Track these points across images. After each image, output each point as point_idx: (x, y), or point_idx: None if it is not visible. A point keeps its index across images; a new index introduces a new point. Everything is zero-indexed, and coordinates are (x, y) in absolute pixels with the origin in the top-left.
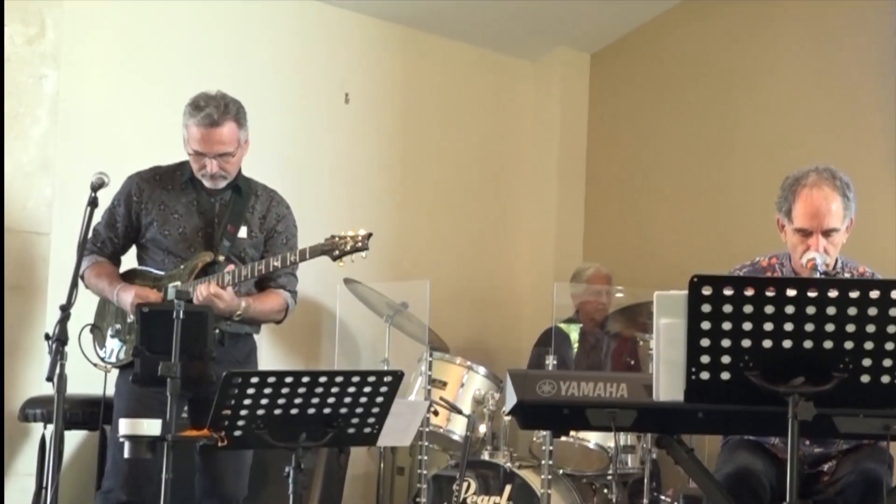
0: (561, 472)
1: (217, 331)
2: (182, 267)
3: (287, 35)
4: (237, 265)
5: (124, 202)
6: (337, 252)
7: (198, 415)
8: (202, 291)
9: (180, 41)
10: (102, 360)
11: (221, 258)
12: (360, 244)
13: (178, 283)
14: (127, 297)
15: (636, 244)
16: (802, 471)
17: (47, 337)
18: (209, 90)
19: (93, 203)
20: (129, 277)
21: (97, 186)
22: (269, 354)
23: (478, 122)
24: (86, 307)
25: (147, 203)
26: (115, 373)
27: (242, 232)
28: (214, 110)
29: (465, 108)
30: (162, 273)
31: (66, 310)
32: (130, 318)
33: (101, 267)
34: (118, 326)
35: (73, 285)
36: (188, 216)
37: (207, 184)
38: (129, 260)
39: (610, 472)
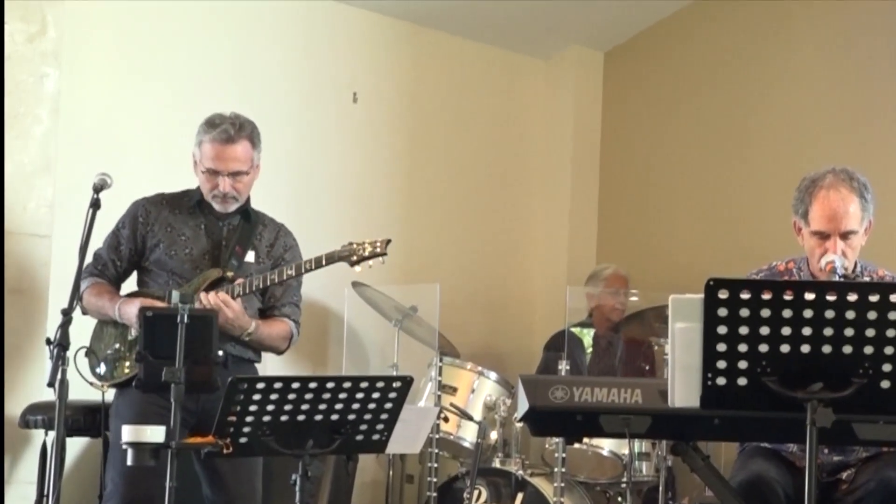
0: (574, 479)
1: (221, 352)
2: (187, 286)
3: (294, 33)
4: (246, 279)
5: (129, 224)
6: (355, 258)
7: (201, 424)
8: (210, 299)
9: (184, 39)
10: (99, 378)
11: (230, 274)
12: (378, 249)
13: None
14: (131, 309)
15: (651, 246)
16: (820, 479)
17: (48, 342)
18: (223, 111)
19: (95, 204)
20: (133, 298)
21: (99, 187)
22: (276, 359)
23: (489, 121)
24: (89, 321)
25: (154, 225)
26: (111, 393)
27: (250, 256)
28: (230, 127)
29: (476, 107)
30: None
31: (67, 314)
32: (132, 335)
33: (100, 287)
34: (117, 346)
35: (75, 289)
36: (196, 239)
37: (217, 206)
38: (129, 287)
39: (624, 480)
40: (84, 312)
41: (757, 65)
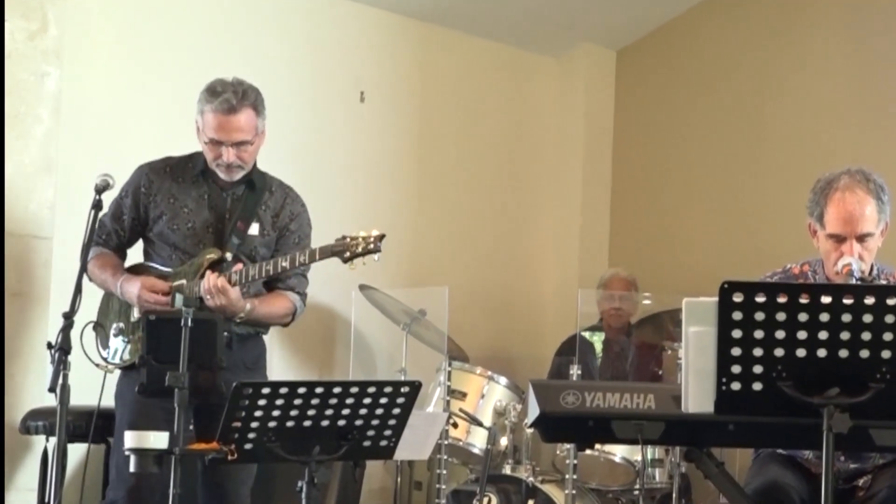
0: (586, 486)
1: (226, 333)
2: (188, 265)
3: (299, 30)
4: (246, 264)
5: (132, 194)
6: (348, 254)
7: (205, 427)
8: (209, 280)
9: (188, 37)
10: (105, 360)
11: (229, 256)
12: (371, 246)
13: (184, 281)
14: (132, 288)
15: (664, 248)
16: (837, 486)
17: (49, 346)
18: (225, 76)
19: (97, 206)
20: (135, 272)
21: (101, 188)
22: (282, 363)
23: (499, 121)
24: (89, 314)
25: (156, 195)
26: (116, 376)
27: (254, 229)
28: (232, 96)
29: (486, 106)
30: (168, 269)
31: (68, 317)
32: (135, 316)
33: (105, 258)
34: (121, 325)
35: (77, 291)
36: (198, 210)
37: (222, 175)
38: (136, 255)
39: (637, 486)
40: (90, 280)
41: (771, 62)
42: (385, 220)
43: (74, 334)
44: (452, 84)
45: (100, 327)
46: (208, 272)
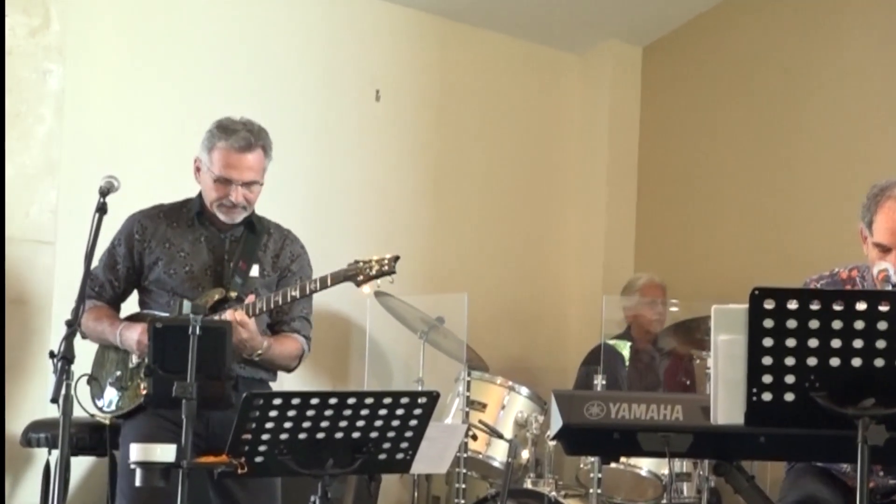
0: (611, 501)
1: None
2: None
3: (313, 26)
4: (258, 297)
5: (125, 241)
6: (361, 277)
7: (214, 438)
8: (227, 317)
9: (196, 33)
10: (101, 409)
11: (234, 294)
12: (386, 268)
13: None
14: (132, 334)
15: (692, 253)
16: (874, 501)
17: (52, 355)
18: (233, 116)
19: (101, 209)
20: (133, 321)
21: (106, 191)
22: (294, 373)
23: (520, 121)
24: (91, 345)
25: (150, 241)
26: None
27: (254, 271)
28: (248, 134)
29: (507, 105)
30: (167, 315)
31: (72, 325)
32: (133, 363)
33: (99, 310)
34: (118, 373)
35: (80, 299)
36: (196, 254)
37: (223, 217)
38: (130, 307)
39: (664, 501)
40: (84, 337)
41: (805, 59)
42: (402, 224)
43: (77, 342)
44: (472, 82)
45: (94, 381)
46: (229, 311)
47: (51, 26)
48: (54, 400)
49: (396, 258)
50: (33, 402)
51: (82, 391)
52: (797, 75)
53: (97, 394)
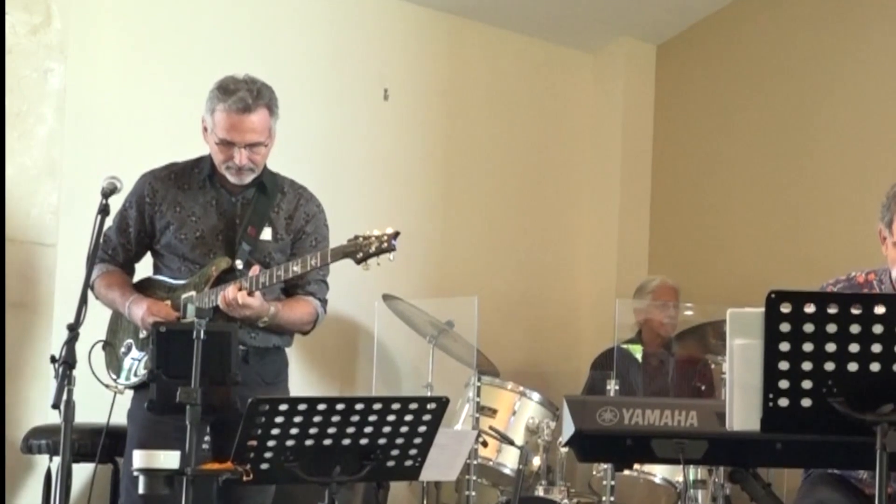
0: None
1: (241, 347)
2: (196, 276)
3: (320, 23)
4: (262, 270)
5: (136, 204)
6: (361, 254)
7: (221, 446)
8: (229, 294)
9: (201, 31)
10: (115, 380)
11: (239, 264)
12: (385, 244)
13: (193, 293)
14: (138, 311)
15: (707, 256)
16: None
17: (53, 359)
18: (236, 73)
19: (103, 211)
20: (143, 288)
21: (108, 192)
22: (300, 378)
23: (531, 121)
24: (95, 326)
25: (161, 204)
26: (127, 397)
27: (267, 234)
28: (247, 94)
29: (518, 105)
30: (176, 282)
31: (73, 329)
32: (143, 334)
33: (112, 276)
34: (130, 342)
35: (82, 302)
36: (206, 217)
37: (232, 179)
38: (145, 268)
39: None
40: (97, 299)
41: (823, 57)
42: (411, 226)
43: (80, 347)
44: (482, 81)
45: (109, 347)
46: (231, 287)
47: (52, 24)
48: (55, 406)
49: (396, 234)
50: (34, 407)
51: (96, 358)
52: (814, 72)
53: (111, 362)
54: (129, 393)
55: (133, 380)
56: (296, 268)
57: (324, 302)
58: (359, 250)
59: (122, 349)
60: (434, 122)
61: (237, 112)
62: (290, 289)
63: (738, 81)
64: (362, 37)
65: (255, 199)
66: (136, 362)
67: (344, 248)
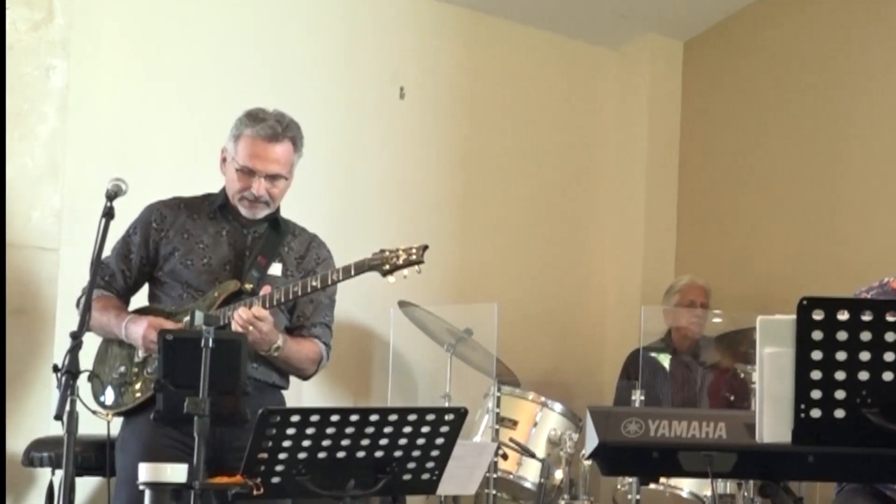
0: None
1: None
2: (200, 299)
3: (332, 19)
4: (273, 289)
5: (141, 230)
6: (388, 266)
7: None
8: (241, 315)
9: (209, 27)
10: (102, 405)
11: (249, 286)
12: (414, 257)
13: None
14: (137, 328)
15: (736, 260)
16: None
17: (55, 369)
18: (264, 106)
19: (108, 214)
20: (141, 314)
21: (113, 195)
22: (312, 388)
23: (553, 120)
24: (95, 339)
25: (169, 231)
26: (117, 423)
27: (276, 269)
28: (276, 124)
29: (539, 104)
30: (179, 309)
31: (76, 337)
32: (139, 357)
33: (107, 301)
34: (122, 369)
35: (86, 309)
36: (215, 246)
37: (245, 211)
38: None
39: None
40: (88, 329)
41: (855, 51)
42: (428, 229)
43: (83, 356)
44: (501, 79)
45: (96, 378)
46: (230, 309)
47: (54, 20)
48: (58, 417)
49: (425, 247)
50: (36, 419)
51: (83, 389)
52: (847, 69)
53: (98, 391)
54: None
55: (123, 406)
56: (314, 283)
57: (328, 347)
58: (385, 262)
59: (115, 375)
60: (452, 122)
61: (263, 139)
62: (294, 330)
63: (768, 78)
64: (377, 33)
65: (266, 234)
66: (127, 387)
67: (370, 262)
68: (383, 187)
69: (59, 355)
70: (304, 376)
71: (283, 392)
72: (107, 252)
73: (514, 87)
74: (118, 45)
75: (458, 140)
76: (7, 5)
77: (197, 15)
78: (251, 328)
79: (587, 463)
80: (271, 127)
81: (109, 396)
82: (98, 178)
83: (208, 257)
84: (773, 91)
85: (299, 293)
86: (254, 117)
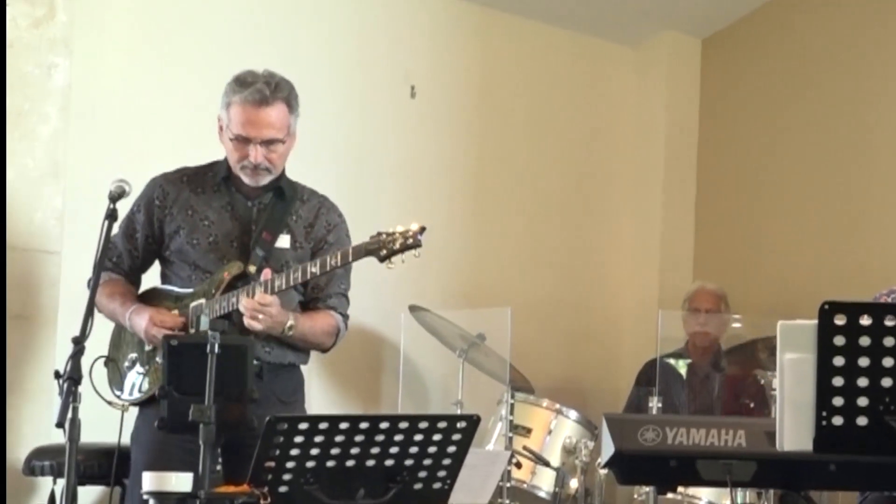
0: None
1: (255, 361)
2: (206, 283)
3: (342, 15)
4: (275, 272)
5: (145, 208)
6: (384, 251)
7: (235, 466)
8: (246, 305)
9: (215, 22)
10: (119, 397)
11: (253, 269)
12: (410, 240)
13: (203, 300)
14: (140, 321)
15: (756, 263)
16: None
17: (57, 375)
18: (255, 68)
19: (111, 216)
20: (149, 298)
21: (116, 196)
22: (321, 395)
23: (568, 119)
24: (102, 339)
25: (172, 208)
26: (132, 414)
27: (284, 241)
28: (265, 87)
29: (554, 103)
30: (185, 291)
31: (79, 342)
32: (149, 346)
33: (114, 285)
34: (134, 356)
35: (88, 313)
36: (220, 223)
37: (247, 180)
38: (153, 279)
39: None
40: (99, 311)
41: (877, 50)
42: (439, 231)
43: (85, 362)
44: (515, 77)
45: (112, 363)
46: (231, 296)
47: (56, 16)
48: (60, 424)
49: (423, 229)
50: (37, 426)
51: (98, 375)
52: (870, 67)
53: (115, 379)
54: (134, 411)
55: (137, 395)
56: (314, 269)
57: (345, 317)
58: (382, 247)
59: (126, 363)
60: (464, 122)
61: (253, 105)
62: (309, 303)
63: (788, 77)
64: (387, 30)
65: (271, 204)
66: (140, 377)
67: (367, 245)
68: (393, 188)
69: (60, 361)
70: (323, 350)
71: (302, 367)
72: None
73: (528, 86)
74: (122, 42)
75: (470, 141)
76: (7, 1)
77: (204, 10)
78: (261, 317)
79: (603, 472)
80: (259, 91)
81: (128, 385)
82: (101, 179)
83: (214, 235)
84: (794, 90)
85: (300, 279)
86: (241, 82)
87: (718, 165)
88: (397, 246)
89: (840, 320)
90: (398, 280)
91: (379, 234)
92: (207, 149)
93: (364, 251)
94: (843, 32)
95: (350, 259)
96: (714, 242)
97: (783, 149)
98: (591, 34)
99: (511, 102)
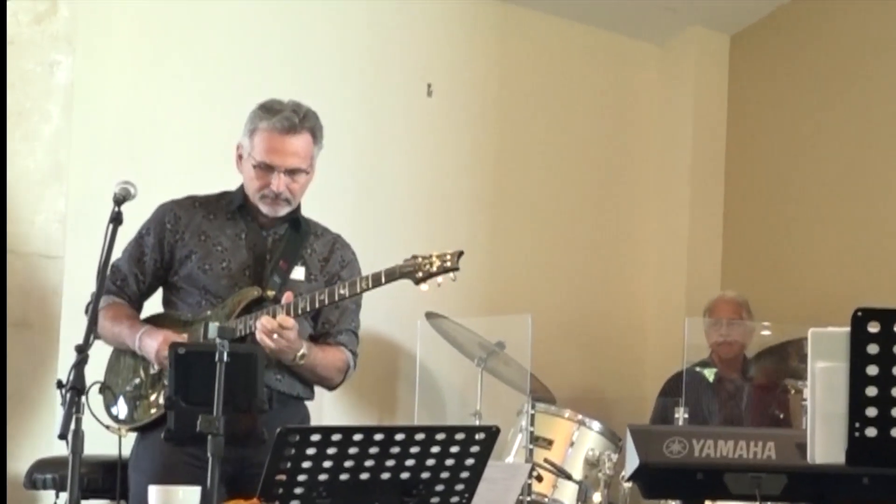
0: None
1: (265, 389)
2: (219, 307)
3: (356, 12)
4: (296, 295)
5: (154, 231)
6: (421, 273)
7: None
8: (265, 324)
9: (224, 19)
10: (115, 419)
11: (271, 293)
12: (448, 263)
13: (217, 322)
14: (152, 342)
15: (787, 269)
16: None
17: (60, 385)
18: (279, 97)
19: (116, 219)
20: (155, 323)
21: (121, 198)
22: (335, 404)
23: (591, 119)
24: (106, 347)
25: (184, 233)
26: (131, 439)
27: (299, 273)
28: (293, 115)
29: (576, 102)
30: (197, 316)
31: (82, 351)
32: (154, 370)
33: (118, 309)
34: (137, 381)
35: (92, 321)
36: (234, 250)
37: (265, 209)
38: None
39: None
40: (97, 337)
41: None
42: (457, 236)
43: (89, 371)
44: (537, 76)
45: (108, 390)
46: (249, 319)
47: (58, 12)
48: (62, 436)
49: (460, 253)
50: (38, 438)
51: (94, 402)
52: None
53: (111, 403)
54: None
55: (137, 418)
56: (343, 290)
57: (355, 355)
58: (418, 269)
59: (129, 388)
60: (483, 121)
61: (280, 132)
62: (319, 338)
63: (821, 75)
64: (403, 26)
65: (287, 236)
66: (143, 401)
67: (401, 268)
68: (410, 191)
69: (63, 370)
70: (330, 386)
71: (308, 403)
72: (116, 255)
73: (549, 84)
74: (126, 39)
75: (489, 141)
76: None
77: (212, 8)
78: (276, 337)
79: (627, 485)
80: (287, 118)
81: (122, 410)
82: (105, 180)
83: (227, 261)
84: (827, 88)
85: (326, 301)
86: (268, 109)
87: (747, 167)
88: (434, 269)
89: (874, 328)
90: (415, 286)
91: (414, 257)
92: (215, 150)
93: (399, 273)
94: (879, 27)
95: (383, 281)
96: (743, 247)
97: (815, 150)
98: (615, 31)
99: (532, 102)
